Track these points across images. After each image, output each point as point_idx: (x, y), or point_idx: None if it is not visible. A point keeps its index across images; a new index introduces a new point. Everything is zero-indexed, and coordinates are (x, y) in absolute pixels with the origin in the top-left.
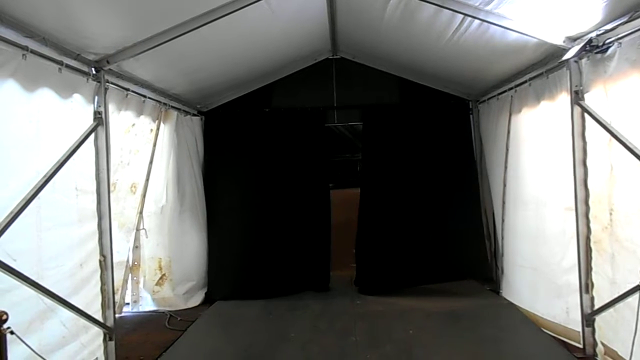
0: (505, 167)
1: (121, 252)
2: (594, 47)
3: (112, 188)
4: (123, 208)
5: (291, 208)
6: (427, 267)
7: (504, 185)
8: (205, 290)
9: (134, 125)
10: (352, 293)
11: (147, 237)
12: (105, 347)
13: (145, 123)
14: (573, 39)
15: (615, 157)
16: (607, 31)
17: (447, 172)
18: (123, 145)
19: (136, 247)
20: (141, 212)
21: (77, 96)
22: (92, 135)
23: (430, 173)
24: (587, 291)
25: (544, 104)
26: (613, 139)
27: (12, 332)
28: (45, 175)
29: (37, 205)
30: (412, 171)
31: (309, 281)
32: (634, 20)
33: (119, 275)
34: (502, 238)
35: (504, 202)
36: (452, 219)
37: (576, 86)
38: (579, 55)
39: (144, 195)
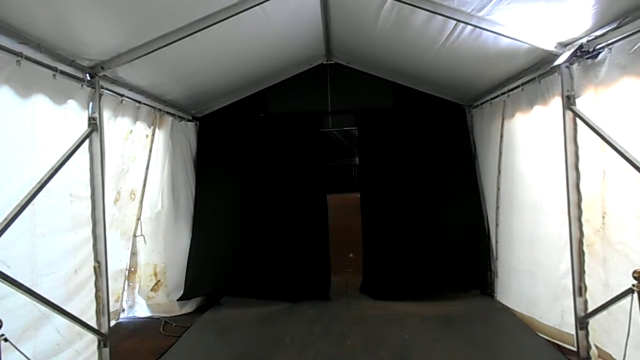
0: (499, 171)
1: (122, 260)
2: (585, 53)
3: (117, 197)
4: (124, 215)
5: (288, 213)
6: (431, 276)
7: (498, 189)
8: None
9: (131, 131)
10: (348, 298)
11: (145, 243)
12: (100, 354)
13: (141, 129)
14: (564, 45)
15: (608, 161)
16: (597, 37)
17: (443, 176)
18: (124, 153)
19: (133, 253)
20: (139, 218)
21: (71, 102)
22: (87, 142)
23: (427, 178)
24: (580, 294)
25: (537, 108)
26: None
27: (5, 340)
28: (39, 182)
29: (31, 212)
30: (408, 176)
31: (308, 289)
32: (623, 26)
33: (119, 283)
34: (497, 242)
35: (497, 206)
36: (452, 224)
37: (568, 91)
38: (570, 61)
39: (141, 202)
